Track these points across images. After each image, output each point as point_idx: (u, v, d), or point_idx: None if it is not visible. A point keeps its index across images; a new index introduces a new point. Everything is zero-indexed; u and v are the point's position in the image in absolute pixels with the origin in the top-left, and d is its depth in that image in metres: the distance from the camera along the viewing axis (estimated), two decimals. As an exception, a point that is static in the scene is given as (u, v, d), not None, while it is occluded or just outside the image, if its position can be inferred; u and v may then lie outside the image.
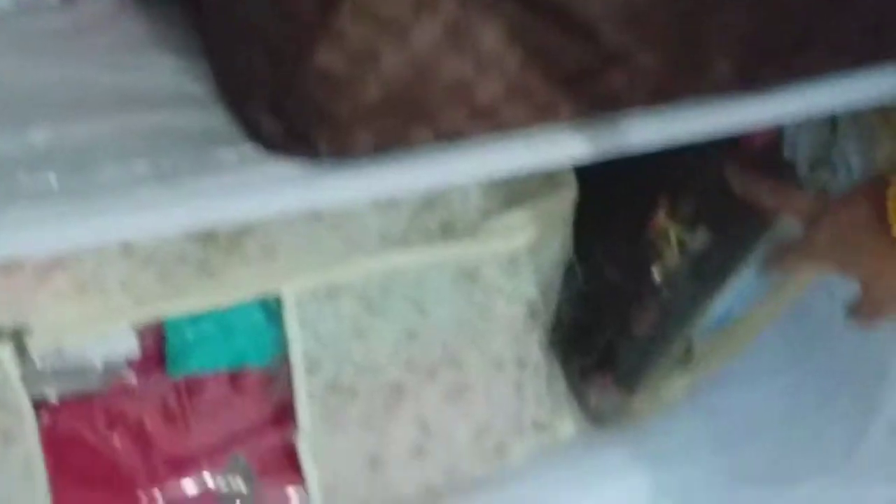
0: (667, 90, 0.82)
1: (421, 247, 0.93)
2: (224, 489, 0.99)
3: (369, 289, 0.94)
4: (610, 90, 0.81)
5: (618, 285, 1.02)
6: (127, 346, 0.90)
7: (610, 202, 1.01)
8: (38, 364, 0.88)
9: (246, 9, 0.80)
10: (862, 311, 0.75)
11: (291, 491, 1.01)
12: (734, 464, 1.07)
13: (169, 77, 0.85)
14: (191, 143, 0.80)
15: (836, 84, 0.84)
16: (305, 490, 1.01)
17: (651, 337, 1.02)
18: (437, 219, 0.94)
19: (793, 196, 0.82)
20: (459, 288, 0.96)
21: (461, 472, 1.05)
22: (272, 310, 0.93)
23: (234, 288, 0.90)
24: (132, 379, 0.92)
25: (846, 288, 1.09)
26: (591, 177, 0.96)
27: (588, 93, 0.81)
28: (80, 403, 0.92)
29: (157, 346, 0.91)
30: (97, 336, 0.89)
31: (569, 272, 1.02)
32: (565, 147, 0.82)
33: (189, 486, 0.98)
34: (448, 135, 0.80)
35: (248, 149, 0.80)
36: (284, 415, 0.98)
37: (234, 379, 0.95)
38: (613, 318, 1.03)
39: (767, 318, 1.05)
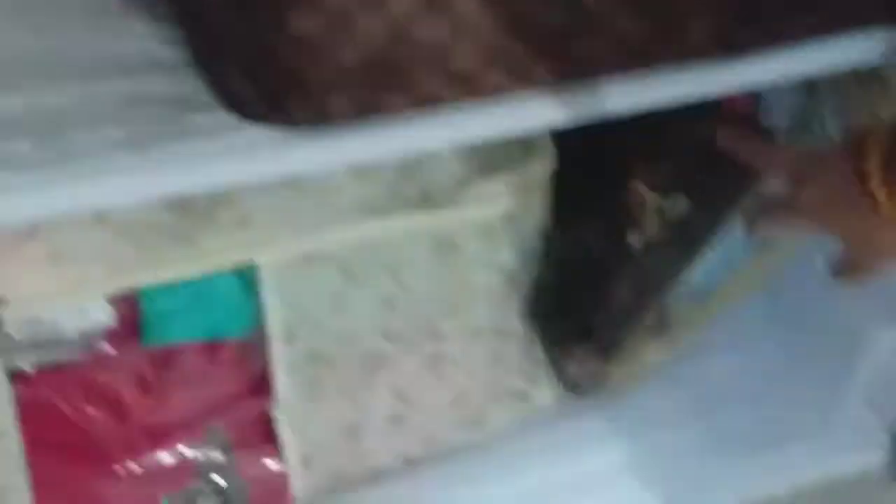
0: (644, 55, 0.82)
1: (398, 216, 0.93)
2: (201, 460, 0.99)
3: (347, 258, 0.94)
4: (587, 55, 0.81)
5: (595, 254, 1.03)
6: (102, 315, 0.89)
7: (587, 170, 1.01)
8: (13, 334, 0.87)
9: (220, -27, 0.79)
10: (844, 269, 0.75)
11: (269, 461, 1.01)
12: (711, 431, 1.07)
13: (142, 43, 0.84)
14: (165, 110, 0.79)
15: (813, 48, 0.84)
16: (283, 460, 1.01)
17: (629, 305, 1.02)
18: (414, 188, 0.94)
19: (779, 154, 0.82)
20: (437, 257, 0.96)
21: (440, 441, 1.06)
22: (249, 279, 0.92)
23: (210, 257, 0.90)
24: (108, 349, 0.92)
25: (823, 256, 1.11)
26: (568, 145, 0.96)
27: (565, 58, 0.80)
28: (55, 374, 0.91)
29: (133, 316, 0.91)
30: (72, 306, 0.88)
31: (547, 241, 1.02)
32: (543, 112, 0.82)
33: (166, 457, 0.97)
34: (425, 100, 0.79)
35: (223, 115, 0.80)
36: (262, 385, 0.98)
37: (211, 349, 0.95)
38: (591, 286, 1.03)
39: (746, 287, 1.06)
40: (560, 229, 1.02)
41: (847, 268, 0.75)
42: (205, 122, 0.79)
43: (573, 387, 1.08)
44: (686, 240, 0.98)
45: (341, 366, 0.99)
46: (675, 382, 1.10)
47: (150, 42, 0.84)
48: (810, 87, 0.95)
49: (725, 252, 0.99)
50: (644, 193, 0.99)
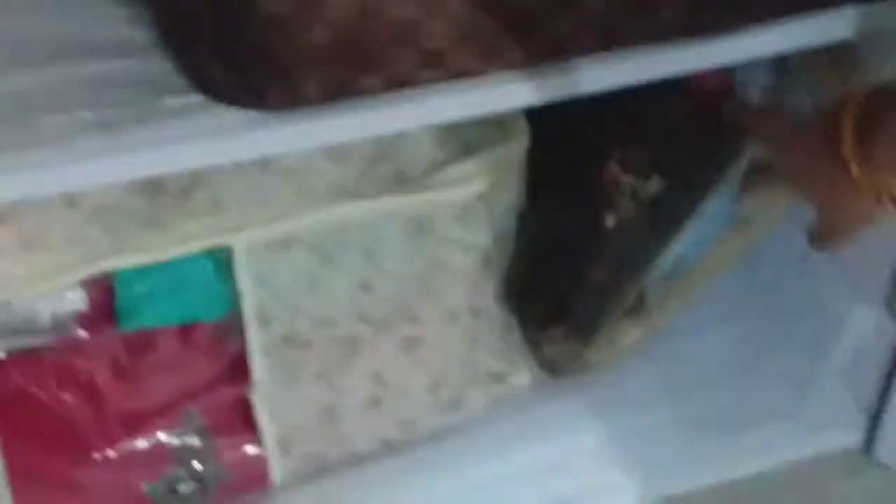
0: (617, 34, 0.82)
1: (373, 197, 0.93)
2: (179, 445, 0.99)
3: (322, 240, 0.94)
4: (560, 34, 0.81)
5: (571, 235, 1.03)
6: (75, 300, 0.89)
7: (562, 151, 1.01)
8: (-15, 320, 0.87)
9: (189, -47, 0.79)
10: (819, 236, 0.76)
11: (247, 446, 1.01)
12: (688, 411, 1.08)
13: (112, 24, 0.84)
14: (135, 92, 0.79)
15: (785, 26, 0.84)
16: (261, 444, 1.01)
17: (605, 286, 1.02)
18: (389, 169, 0.93)
19: (765, 120, 0.82)
20: (412, 239, 0.96)
21: (417, 423, 1.06)
22: (223, 263, 0.92)
23: (184, 241, 0.89)
24: (81, 334, 0.91)
25: (800, 237, 1.11)
26: (543, 126, 0.96)
27: (538, 37, 0.80)
28: (28, 360, 0.91)
29: (107, 301, 0.90)
30: (45, 291, 0.88)
31: (522, 222, 1.02)
32: (516, 92, 0.82)
33: (142, 442, 0.97)
34: (398, 81, 0.79)
35: (195, 97, 0.79)
36: (238, 369, 0.97)
37: (186, 333, 0.95)
38: (567, 267, 1.03)
39: (721, 266, 1.06)
40: (535, 210, 1.02)
41: (821, 235, 0.75)
42: (177, 104, 0.79)
43: (550, 368, 1.08)
44: (661, 220, 0.99)
45: (317, 349, 0.98)
46: (652, 363, 1.10)
47: (120, 24, 0.84)
48: (781, 65, 0.95)
49: (701, 231, 1.00)
50: (619, 174, 0.99)
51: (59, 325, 0.90)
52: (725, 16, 0.83)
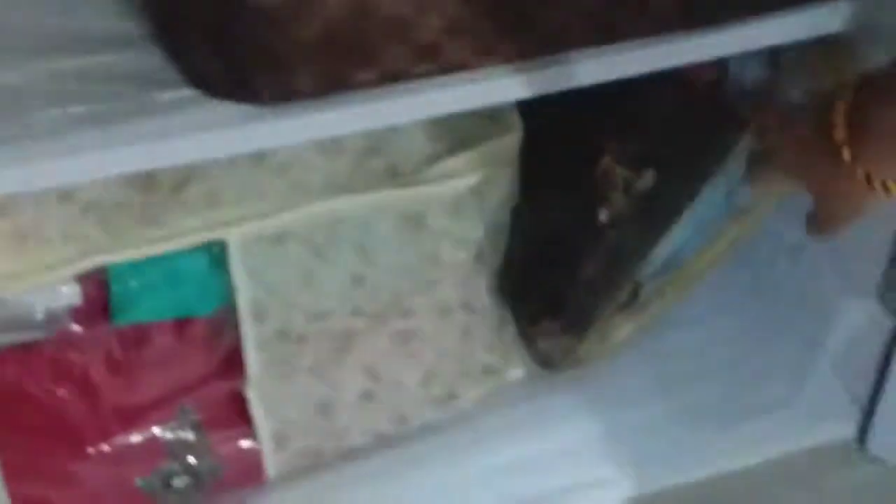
0: (609, 27, 0.82)
1: (366, 192, 0.93)
2: (173, 440, 0.99)
3: (315, 235, 0.94)
4: (552, 28, 0.81)
5: (565, 229, 1.03)
6: (69, 295, 0.89)
7: (556, 146, 1.01)
8: (-21, 315, 0.87)
9: (182, -54, 0.79)
10: (816, 224, 0.76)
11: (242, 440, 1.01)
12: (682, 404, 1.08)
13: (105, 18, 0.84)
14: (129, 86, 0.79)
15: (778, 19, 0.85)
16: (255, 438, 1.01)
17: (599, 281, 1.02)
18: (382, 163, 0.93)
19: (761, 109, 0.82)
20: (405, 233, 0.96)
21: (411, 417, 1.06)
22: (217, 257, 0.92)
23: (178, 235, 0.89)
24: (76, 329, 0.91)
25: (791, 231, 1.12)
26: (536, 120, 0.96)
27: (530, 31, 0.81)
28: (22, 354, 0.91)
29: (101, 295, 0.90)
30: (39, 286, 0.88)
31: (516, 216, 1.02)
32: (509, 85, 0.82)
33: (136, 436, 0.97)
34: (391, 75, 0.79)
35: (187, 91, 0.79)
36: (233, 363, 0.97)
37: (181, 328, 0.95)
38: (561, 262, 1.03)
39: (715, 260, 1.06)
40: (529, 204, 1.02)
41: (818, 223, 0.75)
42: (170, 98, 0.79)
43: (544, 362, 1.08)
44: (655, 215, 0.99)
45: (312, 343, 0.98)
46: (646, 357, 1.10)
47: (114, 18, 0.84)
48: (776, 59, 0.95)
49: (694, 225, 1.00)
50: (612, 168, 0.99)
51: (53, 319, 0.90)
52: (719, 8, 0.83)
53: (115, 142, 0.76)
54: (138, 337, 0.94)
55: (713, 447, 1.06)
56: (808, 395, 1.09)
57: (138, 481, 0.99)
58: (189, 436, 0.99)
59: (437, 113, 0.84)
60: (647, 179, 0.99)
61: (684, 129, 0.98)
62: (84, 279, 0.89)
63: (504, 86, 0.82)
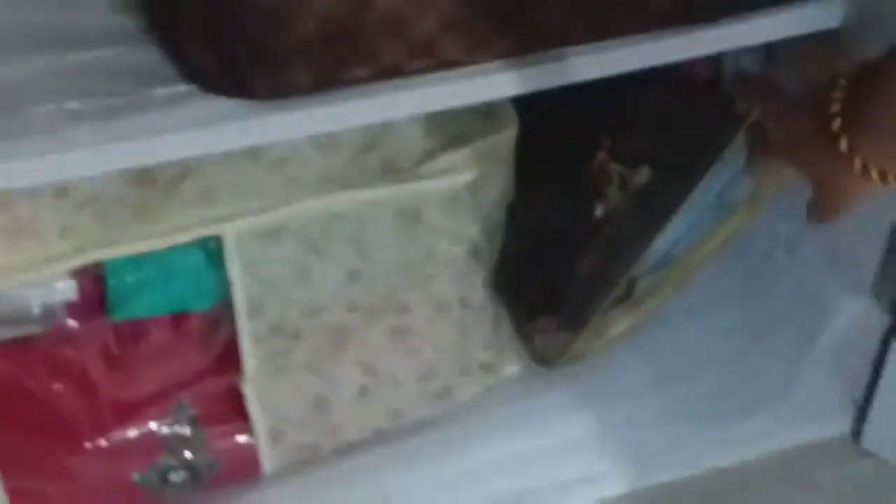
0: (604, 23, 0.82)
1: (362, 187, 0.93)
2: (170, 435, 0.99)
3: (311, 230, 0.94)
4: (547, 24, 0.81)
5: (561, 225, 1.03)
6: (65, 290, 0.89)
7: (552, 142, 1.01)
8: (-25, 310, 0.87)
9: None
10: (816, 212, 0.76)
11: (238, 435, 1.01)
12: (676, 401, 1.08)
13: (101, 14, 0.84)
14: (124, 82, 0.80)
15: (775, 14, 0.85)
16: (252, 434, 1.01)
17: (594, 276, 1.02)
18: (378, 159, 0.94)
19: (761, 97, 0.82)
20: (401, 228, 0.96)
21: (407, 413, 1.06)
22: (213, 252, 0.92)
23: (174, 230, 0.90)
24: (72, 324, 0.91)
25: (786, 227, 1.12)
26: (532, 116, 0.96)
27: (525, 27, 0.81)
28: (19, 349, 0.91)
29: (97, 291, 0.90)
30: (35, 281, 0.88)
31: (511, 212, 1.03)
32: (505, 81, 0.82)
33: (133, 431, 0.97)
34: (386, 71, 0.80)
35: (183, 86, 0.80)
36: (229, 359, 0.98)
37: (177, 323, 0.95)
38: (557, 257, 1.03)
39: (710, 256, 1.06)
40: (524, 200, 1.02)
41: (818, 210, 0.76)
42: (165, 93, 0.79)
43: (540, 358, 1.08)
44: (650, 210, 0.99)
45: (308, 339, 0.99)
46: (641, 353, 1.11)
47: (109, 13, 0.84)
48: (770, 54, 0.96)
49: (690, 221, 1.00)
50: (608, 164, 0.99)
51: (49, 314, 0.90)
52: (715, 4, 0.83)
53: (111, 137, 0.77)
54: (135, 332, 0.94)
55: (709, 442, 1.06)
56: (803, 391, 1.09)
57: (135, 476, 0.99)
58: (186, 431, 0.99)
59: (432, 109, 0.84)
60: (643, 175, 0.99)
61: (680, 125, 0.98)
62: (80, 274, 0.89)
63: (500, 82, 0.82)
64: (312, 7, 0.75)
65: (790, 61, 0.92)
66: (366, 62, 0.79)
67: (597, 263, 1.02)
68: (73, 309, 0.90)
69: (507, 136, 0.96)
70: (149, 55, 0.81)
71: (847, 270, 1.06)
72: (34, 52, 0.81)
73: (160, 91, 0.79)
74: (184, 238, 0.90)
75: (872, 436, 1.08)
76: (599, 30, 0.82)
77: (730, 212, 1.03)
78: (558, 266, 1.04)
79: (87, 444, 0.97)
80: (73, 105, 0.78)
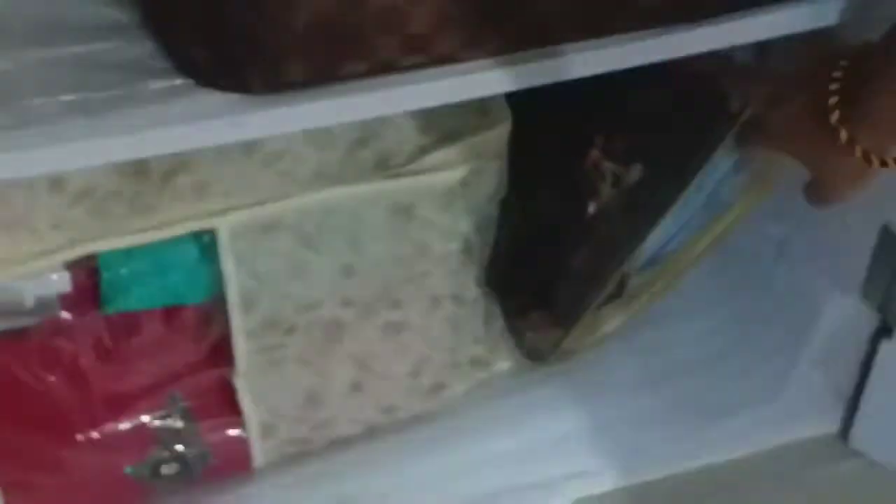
0: (599, 20, 0.82)
1: (356, 183, 0.93)
2: (162, 427, 0.99)
3: (305, 225, 0.94)
4: (542, 21, 0.81)
5: (553, 222, 1.03)
6: (59, 283, 0.89)
7: (545, 139, 1.02)
8: (-31, 302, 0.87)
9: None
10: (812, 194, 0.76)
11: (230, 429, 1.02)
12: (667, 398, 1.09)
13: (95, 6, 0.84)
14: (118, 75, 0.79)
15: (771, 12, 0.85)
16: (244, 428, 1.02)
17: (587, 273, 1.02)
18: (371, 155, 0.94)
19: (754, 85, 0.83)
20: (395, 224, 0.96)
21: (399, 408, 1.06)
22: (207, 246, 0.92)
23: (168, 224, 0.90)
24: (65, 316, 0.91)
25: (777, 227, 1.12)
26: (526, 113, 0.96)
27: (520, 23, 0.81)
28: (12, 341, 0.91)
29: (91, 283, 0.91)
30: (28, 273, 0.88)
31: (504, 208, 1.03)
32: (499, 77, 0.82)
33: (126, 424, 0.98)
34: (381, 66, 0.80)
35: (177, 80, 0.80)
36: (222, 352, 0.98)
37: (170, 316, 0.95)
38: (549, 254, 1.04)
39: (702, 253, 1.07)
40: (517, 197, 1.02)
41: (815, 193, 0.76)
42: (160, 87, 0.79)
43: (532, 355, 1.09)
44: (643, 207, 0.99)
45: (301, 333, 0.99)
46: (633, 350, 1.11)
47: (103, 5, 0.84)
48: (763, 52, 0.96)
49: (683, 218, 1.00)
50: (601, 161, 0.99)
51: (42, 306, 0.90)
52: (710, 1, 0.84)
53: (106, 130, 0.77)
54: (128, 325, 0.94)
55: (698, 440, 1.07)
56: (792, 390, 1.09)
57: (127, 468, 0.99)
58: (178, 424, 0.99)
59: (426, 104, 0.84)
60: (636, 173, 0.99)
61: (673, 123, 0.98)
62: (74, 267, 0.89)
63: (494, 78, 0.82)
64: (307, 1, 0.75)
65: (782, 54, 0.92)
66: (360, 57, 0.79)
67: (589, 260, 1.02)
68: (66, 301, 0.91)
69: (501, 132, 0.96)
70: (143, 48, 0.81)
71: (836, 270, 1.07)
72: (28, 44, 0.80)
73: (154, 84, 0.79)
74: (178, 231, 0.90)
75: (860, 435, 1.08)
76: (594, 27, 0.83)
77: (722, 210, 1.04)
78: (551, 262, 1.04)
79: (80, 437, 0.97)
80: (67, 97, 0.77)
